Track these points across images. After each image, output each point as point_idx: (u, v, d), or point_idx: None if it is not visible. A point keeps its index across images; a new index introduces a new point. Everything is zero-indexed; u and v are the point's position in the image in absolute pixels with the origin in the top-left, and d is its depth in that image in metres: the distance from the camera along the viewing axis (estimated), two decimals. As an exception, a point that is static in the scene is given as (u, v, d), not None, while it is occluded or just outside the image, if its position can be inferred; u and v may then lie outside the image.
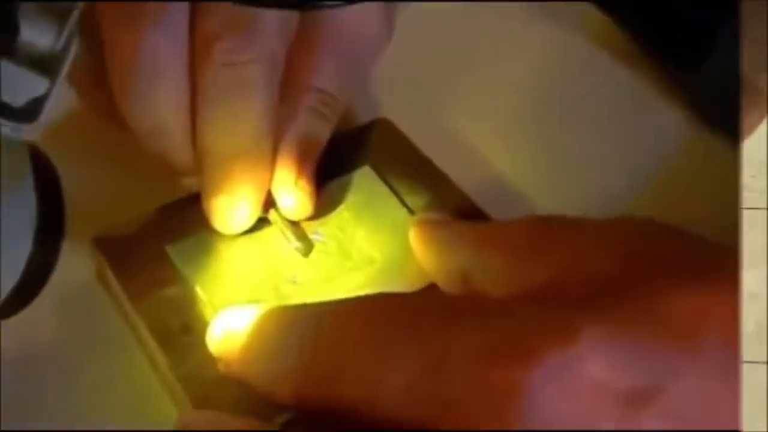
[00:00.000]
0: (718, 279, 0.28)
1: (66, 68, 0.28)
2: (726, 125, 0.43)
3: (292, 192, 0.38)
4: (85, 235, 0.39)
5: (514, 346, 0.27)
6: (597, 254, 0.30)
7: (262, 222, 0.39)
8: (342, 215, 0.40)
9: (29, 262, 0.30)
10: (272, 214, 0.39)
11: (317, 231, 0.39)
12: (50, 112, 0.28)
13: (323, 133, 0.40)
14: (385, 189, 0.41)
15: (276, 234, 0.39)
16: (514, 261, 0.32)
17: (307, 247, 0.39)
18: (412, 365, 0.28)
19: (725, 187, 0.40)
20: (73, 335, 0.38)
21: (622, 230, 0.32)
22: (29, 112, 0.28)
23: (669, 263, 0.30)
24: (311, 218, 0.39)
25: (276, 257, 0.38)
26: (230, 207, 0.38)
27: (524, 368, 0.26)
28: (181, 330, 0.36)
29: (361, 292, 0.36)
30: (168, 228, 0.39)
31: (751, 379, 0.29)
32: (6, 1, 0.26)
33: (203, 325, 0.36)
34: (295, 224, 0.39)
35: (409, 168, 0.42)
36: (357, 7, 0.31)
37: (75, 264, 0.37)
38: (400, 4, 0.47)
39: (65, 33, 0.27)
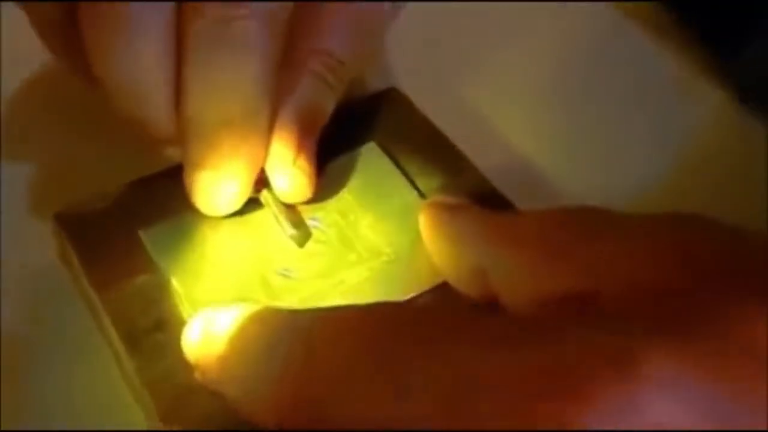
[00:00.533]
0: None
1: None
2: (765, 108, 0.42)
3: (290, 171, 0.35)
4: (48, 211, 0.36)
5: (562, 376, 0.22)
6: (646, 259, 0.26)
7: (252, 204, 0.35)
8: (344, 199, 0.37)
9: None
10: (264, 195, 0.35)
11: (315, 217, 0.36)
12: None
13: (328, 103, 0.37)
14: (393, 168, 0.37)
15: (268, 219, 0.36)
16: (542, 261, 0.28)
17: (304, 235, 0.35)
18: (428, 394, 0.23)
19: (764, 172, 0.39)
20: (32, 325, 0.36)
21: (673, 229, 0.27)
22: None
23: (742, 273, 0.25)
24: (309, 202, 0.36)
25: (266, 246, 0.35)
26: (216, 184, 0.34)
27: (575, 405, 0.22)
28: (152, 327, 0.32)
29: (365, 289, 0.34)
30: (142, 207, 0.36)
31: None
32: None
33: (178, 323, 0.32)
34: (290, 208, 0.36)
35: (421, 145, 0.38)
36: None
37: (36, 243, 0.36)
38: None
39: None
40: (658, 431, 0.22)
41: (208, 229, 0.35)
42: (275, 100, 0.35)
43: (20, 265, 0.34)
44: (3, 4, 0.39)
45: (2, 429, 0.32)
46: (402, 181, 0.37)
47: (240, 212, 0.35)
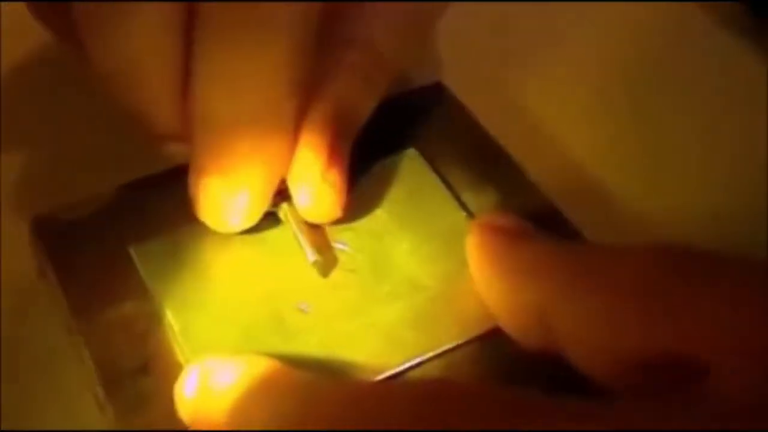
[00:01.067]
0: None
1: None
2: None
3: (317, 185, 0.32)
4: (28, 214, 0.34)
5: None
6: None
7: (268, 219, 0.33)
8: (377, 218, 0.34)
9: None
10: (284, 210, 0.32)
11: (342, 239, 0.33)
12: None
13: (367, 104, 0.34)
14: (436, 181, 0.35)
15: (286, 239, 0.33)
16: (631, 311, 0.25)
17: (328, 262, 0.32)
18: None
19: None
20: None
21: None
22: None
23: None
24: (336, 221, 0.33)
25: (283, 273, 0.32)
26: (226, 194, 0.31)
27: None
28: (138, 369, 0.29)
29: (401, 332, 0.30)
30: (135, 216, 0.33)
31: None
32: None
33: (169, 367, 0.29)
34: (314, 228, 0.33)
35: (470, 153, 0.36)
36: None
37: (13, 250, 0.34)
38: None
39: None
40: None
41: (214, 248, 0.33)
42: (304, 97, 0.32)
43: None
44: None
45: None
46: (447, 196, 0.34)
47: (253, 229, 0.33)
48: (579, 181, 0.39)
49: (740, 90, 0.42)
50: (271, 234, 0.33)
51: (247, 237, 0.32)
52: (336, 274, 0.32)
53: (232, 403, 0.26)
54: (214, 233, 0.32)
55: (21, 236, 0.33)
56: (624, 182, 0.39)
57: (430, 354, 0.29)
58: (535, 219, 0.32)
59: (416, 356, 0.29)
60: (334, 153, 0.32)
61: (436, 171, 0.35)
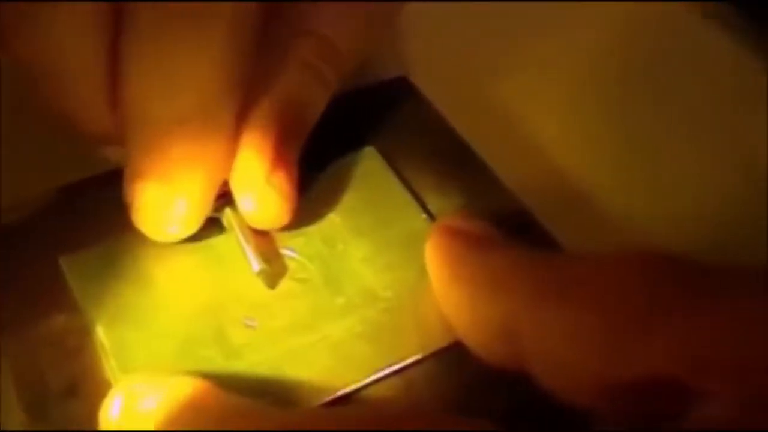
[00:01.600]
0: None
1: None
2: None
3: (261, 189, 0.30)
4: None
5: None
6: None
7: (211, 226, 0.31)
8: (331, 222, 0.33)
9: None
10: (227, 216, 0.31)
11: (292, 246, 0.32)
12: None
13: (318, 101, 0.33)
14: (396, 182, 0.34)
15: (230, 247, 0.31)
16: (612, 331, 0.24)
17: (276, 271, 0.31)
18: None
19: None
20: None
21: None
22: None
23: None
24: (285, 226, 0.32)
25: (227, 284, 0.31)
26: (163, 200, 0.30)
27: None
28: (65, 391, 0.28)
29: (355, 348, 0.29)
30: (67, 223, 0.32)
31: None
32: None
33: (98, 389, 0.28)
34: (261, 234, 0.31)
35: (435, 152, 0.35)
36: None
37: None
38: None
39: None
40: None
41: (152, 258, 0.31)
42: (246, 95, 0.31)
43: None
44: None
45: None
46: (408, 199, 0.33)
47: (195, 237, 0.31)
48: (557, 186, 0.38)
49: (729, 91, 0.42)
50: (215, 242, 0.32)
51: (188, 245, 0.31)
52: (285, 285, 0.31)
53: (152, 428, 0.24)
54: (152, 243, 0.31)
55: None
56: (606, 186, 0.38)
57: (388, 371, 0.28)
58: (505, 224, 0.30)
59: (372, 373, 0.28)
60: (279, 154, 0.31)
61: (397, 171, 0.34)
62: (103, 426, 0.26)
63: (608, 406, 0.24)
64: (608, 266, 0.25)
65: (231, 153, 0.30)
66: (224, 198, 0.31)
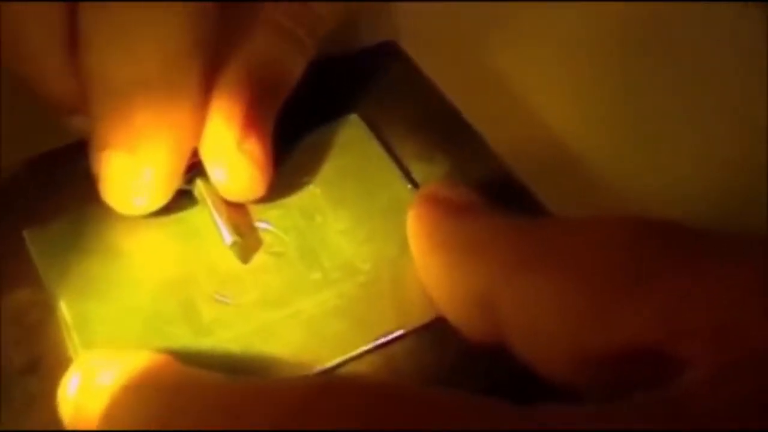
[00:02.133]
0: None
1: None
2: None
3: (232, 157, 0.30)
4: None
5: None
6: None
7: (181, 198, 0.31)
8: (309, 193, 0.32)
9: None
10: (198, 187, 0.31)
11: (267, 219, 0.31)
12: None
13: (293, 66, 0.32)
14: (380, 150, 0.33)
15: (202, 220, 0.31)
16: (593, 297, 0.23)
17: (250, 244, 0.30)
18: None
19: None
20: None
21: None
22: None
23: None
24: (261, 199, 0.31)
25: (198, 258, 0.30)
26: (130, 170, 0.30)
27: None
28: (25, 368, 0.28)
29: (330, 324, 0.29)
30: (31, 195, 0.32)
31: None
32: None
33: (59, 366, 0.27)
34: (235, 207, 0.31)
35: (421, 119, 0.34)
36: None
37: None
38: None
39: None
40: None
41: (119, 231, 0.31)
42: (214, 57, 0.30)
43: None
44: None
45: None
46: (391, 168, 0.33)
47: (166, 210, 0.31)
48: (550, 152, 0.38)
49: (729, 52, 0.41)
50: (186, 215, 0.31)
51: (158, 218, 0.31)
52: (259, 258, 0.30)
53: (106, 404, 0.24)
54: (119, 216, 0.31)
55: None
56: (601, 153, 0.37)
57: (365, 347, 0.28)
58: (494, 192, 0.30)
59: (349, 350, 0.28)
60: (251, 120, 0.30)
61: (383, 140, 0.33)
62: (61, 404, 0.26)
63: (587, 378, 0.23)
64: (590, 231, 0.25)
65: (200, 120, 0.30)
66: (195, 169, 0.31)
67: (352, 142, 0.33)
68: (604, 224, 0.25)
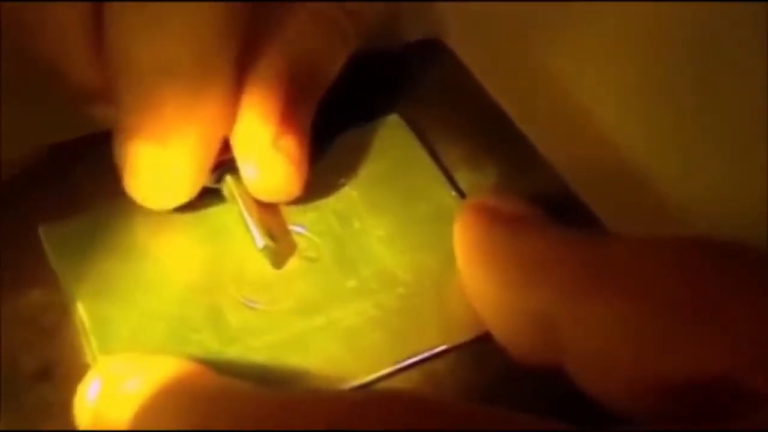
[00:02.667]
0: None
1: None
2: None
3: (267, 155, 0.29)
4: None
5: None
6: None
7: (209, 195, 0.31)
8: (346, 197, 0.32)
9: None
10: (228, 185, 0.30)
11: (302, 222, 0.31)
12: None
13: (335, 58, 0.32)
14: (422, 154, 0.33)
15: (231, 220, 0.31)
16: (649, 323, 0.23)
17: (283, 249, 0.30)
18: None
19: None
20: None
21: None
22: None
23: None
24: (295, 200, 0.31)
25: (226, 260, 0.30)
26: (158, 162, 0.29)
27: None
28: (39, 374, 0.27)
29: (366, 336, 0.28)
30: (49, 189, 0.31)
31: None
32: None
33: (74, 372, 0.27)
34: (267, 207, 0.31)
35: (468, 123, 0.34)
36: None
37: None
38: None
39: None
40: None
41: (141, 229, 0.31)
42: (252, 46, 0.30)
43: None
44: None
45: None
46: (435, 173, 0.33)
47: (192, 207, 0.31)
48: (607, 163, 0.37)
49: None
50: (214, 213, 0.31)
51: (184, 216, 0.31)
52: (292, 264, 0.30)
53: (134, 413, 0.24)
54: (143, 211, 0.30)
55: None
56: (664, 167, 0.37)
57: (403, 363, 0.27)
58: (545, 203, 0.29)
59: (387, 365, 0.27)
60: (288, 115, 0.30)
61: (425, 142, 0.33)
62: (79, 412, 0.26)
63: (647, 406, 0.23)
64: (656, 253, 0.25)
65: (232, 110, 0.30)
66: (224, 166, 0.30)
67: (392, 143, 0.33)
68: (670, 246, 0.25)
